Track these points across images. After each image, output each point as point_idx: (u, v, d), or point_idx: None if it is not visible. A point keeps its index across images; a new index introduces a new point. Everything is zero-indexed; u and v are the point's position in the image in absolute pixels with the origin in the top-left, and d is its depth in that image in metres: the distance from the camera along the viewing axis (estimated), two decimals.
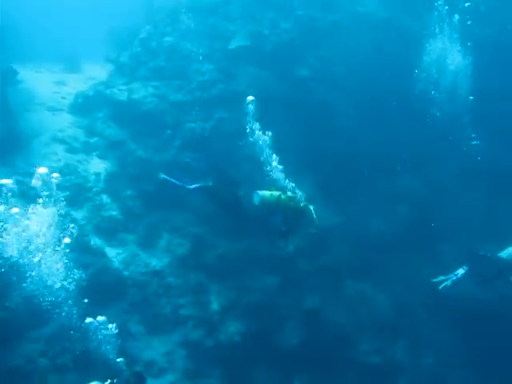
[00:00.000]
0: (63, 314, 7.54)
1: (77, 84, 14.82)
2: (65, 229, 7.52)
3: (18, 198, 7.07)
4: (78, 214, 10.51)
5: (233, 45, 12.74)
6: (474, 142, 10.85)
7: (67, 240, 7.45)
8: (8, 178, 7.30)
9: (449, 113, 10.67)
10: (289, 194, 7.97)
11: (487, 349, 9.92)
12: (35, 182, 7.34)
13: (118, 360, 7.02)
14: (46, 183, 7.35)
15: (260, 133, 8.13)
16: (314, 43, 12.92)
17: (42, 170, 7.47)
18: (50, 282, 7.26)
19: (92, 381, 6.30)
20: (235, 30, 13.15)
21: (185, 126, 11.87)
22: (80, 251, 8.93)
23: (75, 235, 7.84)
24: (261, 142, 8.18)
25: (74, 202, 10.50)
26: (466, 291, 9.27)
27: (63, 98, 13.81)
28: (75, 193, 10.75)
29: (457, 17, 10.91)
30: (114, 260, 10.24)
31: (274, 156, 8.11)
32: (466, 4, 10.75)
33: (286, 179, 8.08)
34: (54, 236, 7.31)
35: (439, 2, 10.93)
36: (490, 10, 11.37)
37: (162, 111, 12.14)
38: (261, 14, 13.29)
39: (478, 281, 8.75)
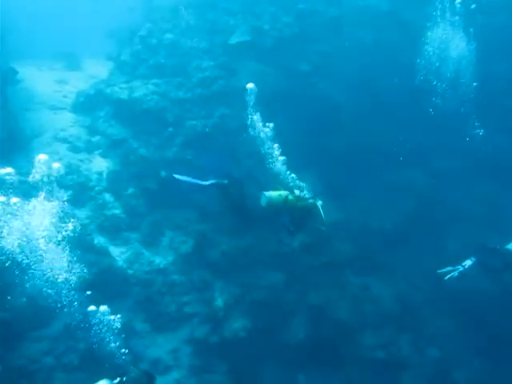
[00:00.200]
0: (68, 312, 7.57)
1: (78, 82, 14.81)
2: (66, 222, 7.48)
3: (19, 196, 7.05)
4: (81, 213, 10.52)
5: (233, 40, 12.68)
6: (478, 132, 10.77)
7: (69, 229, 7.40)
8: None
9: (452, 104, 10.59)
10: (296, 192, 7.89)
11: (493, 342, 9.90)
12: (36, 172, 7.27)
13: (124, 357, 7.06)
14: (47, 175, 7.31)
15: (261, 125, 8.09)
16: (315, 37, 12.86)
17: (42, 156, 7.37)
18: (52, 279, 7.27)
19: (101, 379, 6.29)
20: (236, 24, 13.09)
21: (186, 124, 11.84)
22: (84, 250, 8.94)
23: (78, 229, 7.83)
24: (262, 134, 8.14)
25: (76, 201, 10.52)
26: (473, 283, 9.23)
27: (64, 96, 13.81)
28: (78, 192, 10.77)
29: (459, 7, 10.78)
30: (118, 259, 10.27)
31: (277, 146, 8.06)
32: None
33: (288, 171, 8.02)
34: (56, 229, 7.28)
35: None
36: (493, 1, 11.29)
37: (163, 109, 12.10)
38: (261, 9, 13.22)
39: (485, 273, 8.71)
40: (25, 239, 6.94)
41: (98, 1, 20.63)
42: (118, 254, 10.39)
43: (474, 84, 10.64)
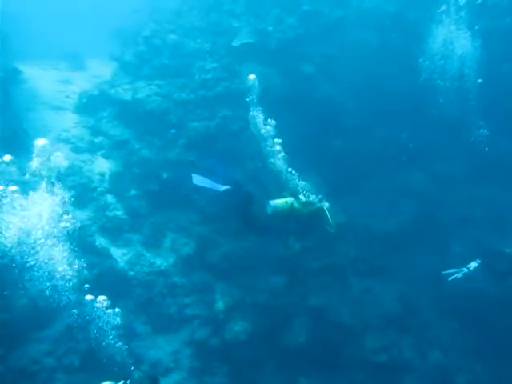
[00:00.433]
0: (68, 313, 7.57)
1: (81, 82, 14.79)
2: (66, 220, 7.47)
3: (21, 194, 7.05)
4: (83, 214, 10.53)
5: (237, 42, 12.64)
6: (482, 131, 10.70)
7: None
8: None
9: (456, 106, 10.53)
10: (301, 197, 7.81)
11: (497, 346, 9.81)
12: (35, 159, 7.21)
13: (126, 359, 7.07)
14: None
15: (263, 121, 8.06)
16: (320, 39, 12.78)
17: (41, 141, 7.26)
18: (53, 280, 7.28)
19: (104, 381, 6.28)
20: (239, 26, 13.05)
21: (189, 125, 11.81)
22: (85, 251, 8.94)
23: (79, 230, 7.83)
24: (263, 131, 8.10)
25: (78, 202, 10.50)
26: (476, 286, 9.17)
27: (67, 97, 13.80)
28: (80, 193, 10.76)
29: (465, 9, 10.72)
30: (120, 260, 10.27)
31: (278, 140, 8.03)
32: None
33: (292, 171, 7.97)
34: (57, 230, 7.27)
35: None
36: (497, 3, 11.21)
37: (166, 110, 12.05)
38: (265, 10, 13.17)
39: (490, 275, 8.66)
40: (24, 239, 6.95)
41: (103, 2, 20.66)
42: (120, 255, 10.40)
43: (479, 86, 10.58)
